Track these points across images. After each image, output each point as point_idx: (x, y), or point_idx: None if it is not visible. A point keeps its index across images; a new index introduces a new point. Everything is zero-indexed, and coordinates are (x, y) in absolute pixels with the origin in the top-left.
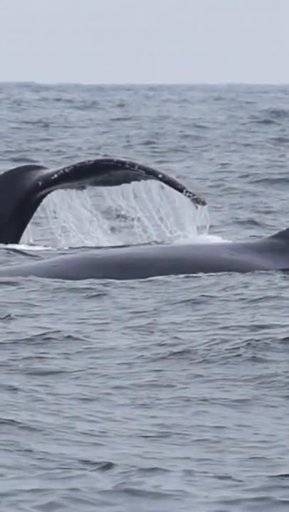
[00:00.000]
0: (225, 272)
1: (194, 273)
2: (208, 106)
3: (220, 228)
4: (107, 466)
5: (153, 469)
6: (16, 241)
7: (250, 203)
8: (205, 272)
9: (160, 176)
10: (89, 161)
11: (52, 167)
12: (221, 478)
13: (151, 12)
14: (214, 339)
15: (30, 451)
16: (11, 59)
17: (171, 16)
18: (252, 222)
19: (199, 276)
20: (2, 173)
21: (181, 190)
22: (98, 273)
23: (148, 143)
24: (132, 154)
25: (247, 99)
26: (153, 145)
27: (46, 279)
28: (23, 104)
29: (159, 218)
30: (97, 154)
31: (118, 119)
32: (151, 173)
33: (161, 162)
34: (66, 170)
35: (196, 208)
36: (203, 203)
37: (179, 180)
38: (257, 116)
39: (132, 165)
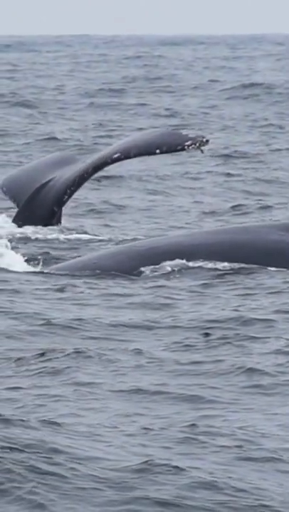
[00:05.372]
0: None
1: (243, 258)
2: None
3: None
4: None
5: None
6: (59, 222)
7: None
8: (254, 256)
9: (157, 151)
10: (87, 172)
11: (59, 180)
12: None
13: None
14: None
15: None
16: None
17: None
18: None
19: (250, 262)
20: (24, 201)
21: (183, 149)
22: (145, 265)
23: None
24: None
25: None
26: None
27: (91, 276)
28: (94, 63)
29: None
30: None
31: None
32: (147, 154)
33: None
34: (72, 188)
35: (202, 152)
36: (207, 142)
37: (174, 141)
38: None
39: (127, 156)
